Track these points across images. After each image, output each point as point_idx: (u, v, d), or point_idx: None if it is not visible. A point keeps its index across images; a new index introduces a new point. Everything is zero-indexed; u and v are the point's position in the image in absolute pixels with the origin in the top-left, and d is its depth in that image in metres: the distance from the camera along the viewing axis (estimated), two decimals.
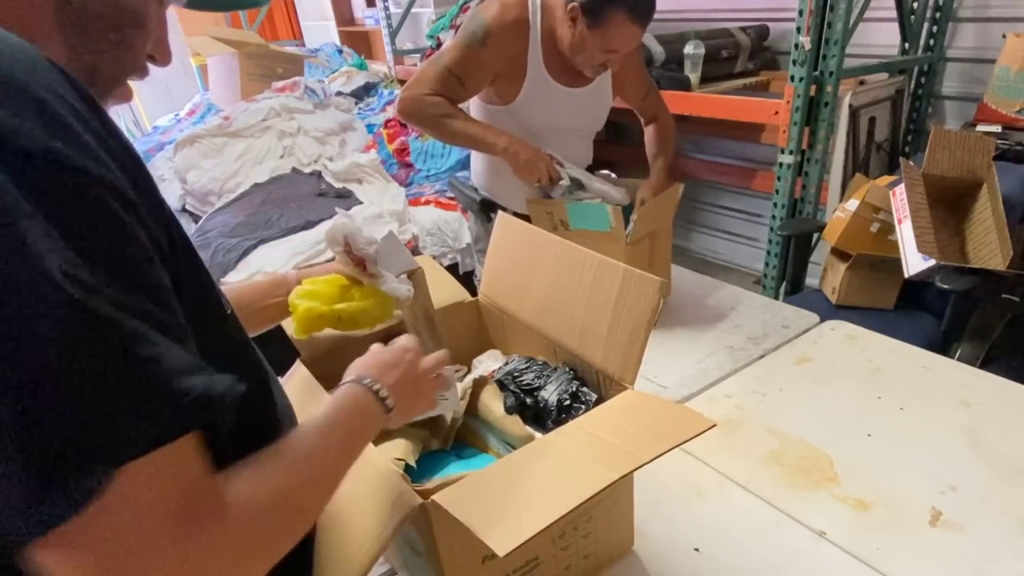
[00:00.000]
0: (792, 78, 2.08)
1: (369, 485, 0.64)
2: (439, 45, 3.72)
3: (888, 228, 1.77)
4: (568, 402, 0.84)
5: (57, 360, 0.32)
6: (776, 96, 2.25)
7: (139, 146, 3.93)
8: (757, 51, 2.80)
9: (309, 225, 2.58)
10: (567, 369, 0.89)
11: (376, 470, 0.65)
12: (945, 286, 1.54)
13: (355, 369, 0.64)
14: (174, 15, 5.24)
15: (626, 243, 1.29)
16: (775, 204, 2.26)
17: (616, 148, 3.53)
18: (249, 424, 0.47)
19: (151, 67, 0.53)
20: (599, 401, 0.84)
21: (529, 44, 1.40)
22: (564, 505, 0.55)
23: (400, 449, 0.77)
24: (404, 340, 0.70)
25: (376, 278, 0.82)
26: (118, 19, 0.47)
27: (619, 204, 1.36)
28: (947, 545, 0.83)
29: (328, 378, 0.77)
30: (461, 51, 1.40)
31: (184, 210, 3.20)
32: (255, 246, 2.41)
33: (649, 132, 1.68)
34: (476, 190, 1.67)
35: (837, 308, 1.83)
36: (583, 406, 0.84)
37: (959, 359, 1.61)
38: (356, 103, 3.89)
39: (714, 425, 0.62)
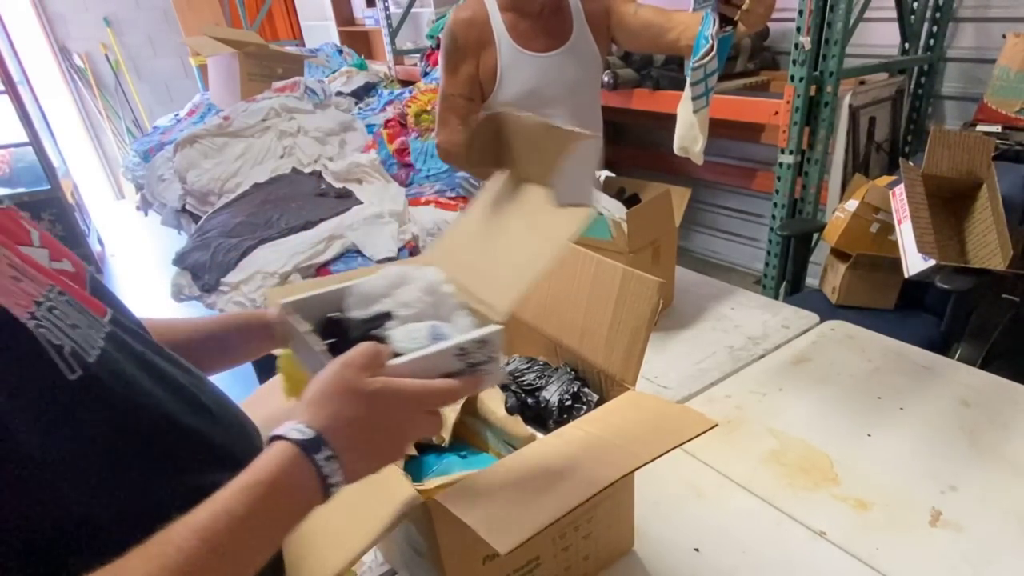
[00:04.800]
0: (792, 78, 2.08)
1: (368, 482, 0.64)
2: (439, 45, 3.73)
3: (888, 228, 1.77)
4: (569, 402, 0.84)
5: None
6: (776, 96, 2.25)
7: (139, 146, 3.93)
8: (757, 51, 2.80)
9: (309, 225, 2.58)
10: (568, 369, 0.89)
11: None
12: (945, 286, 1.54)
13: (306, 407, 0.47)
14: (174, 16, 5.24)
15: (628, 251, 1.29)
16: (775, 204, 2.26)
17: (616, 148, 3.53)
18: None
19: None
20: (600, 402, 0.84)
21: (492, 25, 1.46)
22: (565, 504, 0.55)
23: None
24: (369, 349, 0.49)
25: None
26: None
27: (621, 220, 1.35)
28: (947, 545, 0.83)
29: None
30: (448, 68, 1.48)
31: (184, 210, 3.20)
32: (255, 246, 2.41)
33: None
34: None
35: (837, 308, 1.83)
36: (584, 406, 0.84)
37: (959, 359, 1.61)
38: (356, 103, 3.90)
39: (715, 425, 0.62)
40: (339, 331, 0.58)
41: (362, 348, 0.49)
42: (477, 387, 0.55)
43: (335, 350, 0.50)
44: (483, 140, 0.71)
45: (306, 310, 0.60)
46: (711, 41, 1.14)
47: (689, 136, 1.28)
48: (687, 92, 1.24)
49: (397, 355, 0.51)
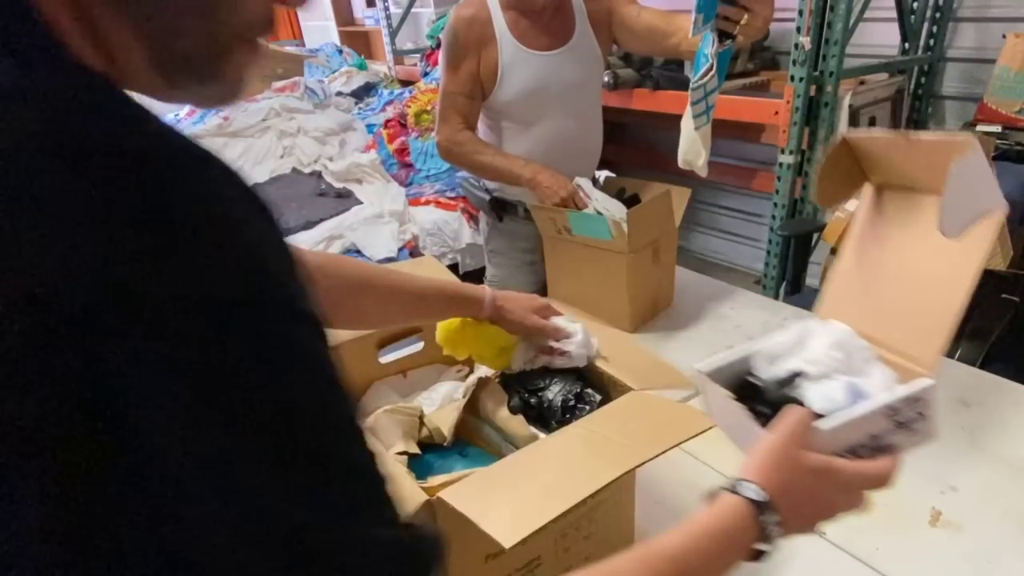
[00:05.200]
0: (792, 78, 2.08)
1: None
2: (439, 45, 3.73)
3: None
4: (572, 403, 0.85)
5: None
6: (776, 96, 2.25)
7: None
8: (757, 51, 2.80)
9: (309, 225, 2.59)
10: (571, 370, 0.89)
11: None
12: None
13: (756, 470, 0.48)
14: None
15: (628, 251, 1.29)
16: (775, 204, 2.27)
17: (616, 148, 3.53)
18: None
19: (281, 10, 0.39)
20: (603, 402, 0.84)
21: (493, 23, 1.45)
22: (568, 500, 0.55)
23: (399, 441, 0.78)
24: (801, 418, 0.50)
25: None
26: None
27: (621, 220, 1.35)
28: (947, 545, 0.84)
29: None
30: (449, 66, 1.47)
31: None
32: None
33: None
34: (487, 189, 1.68)
35: None
36: (587, 406, 0.84)
37: (959, 359, 1.61)
38: (356, 103, 3.90)
39: (715, 425, 0.62)
40: (753, 392, 0.57)
41: (795, 419, 0.50)
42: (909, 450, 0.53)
43: (754, 412, 0.52)
44: (836, 168, 0.63)
45: (719, 376, 0.59)
46: (711, 60, 1.14)
47: (692, 151, 1.29)
48: (688, 109, 1.25)
49: (817, 416, 0.50)
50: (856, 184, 0.61)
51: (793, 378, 0.54)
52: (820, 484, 0.49)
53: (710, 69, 1.15)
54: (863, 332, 0.56)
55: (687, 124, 1.28)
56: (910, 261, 0.56)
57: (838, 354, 0.54)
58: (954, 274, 0.51)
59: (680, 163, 1.34)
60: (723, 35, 1.14)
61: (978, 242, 0.50)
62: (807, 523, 0.50)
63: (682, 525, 0.46)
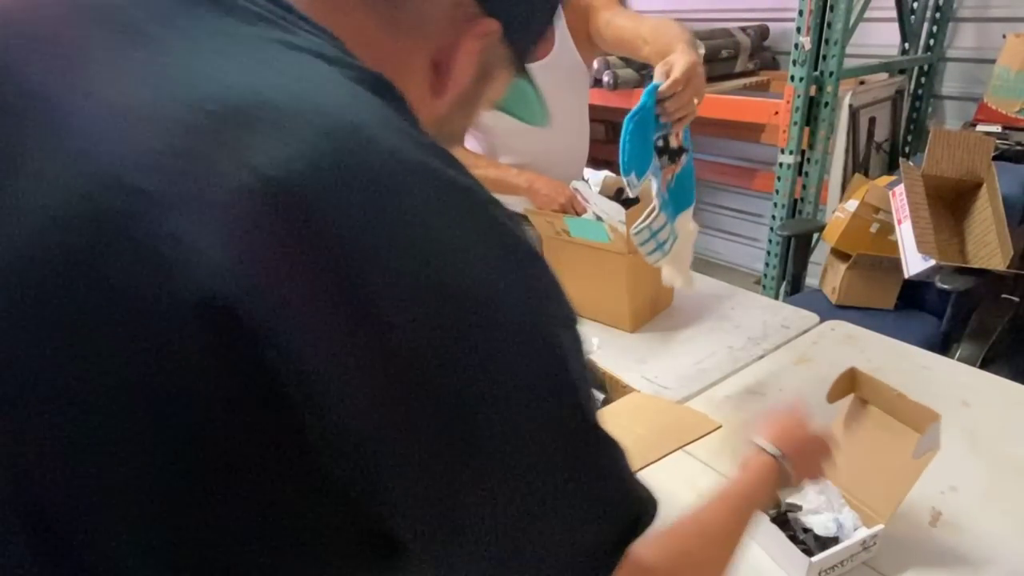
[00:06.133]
0: (792, 78, 2.08)
1: None
2: None
3: (888, 228, 1.77)
4: None
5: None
6: (776, 96, 2.25)
7: None
8: (757, 51, 2.81)
9: None
10: None
11: None
12: (945, 286, 1.55)
13: (771, 439, 0.66)
14: None
15: (627, 252, 1.29)
16: (775, 204, 2.27)
17: (616, 148, 3.53)
18: None
19: None
20: (605, 402, 0.84)
21: None
22: None
23: None
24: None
25: None
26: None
27: (621, 222, 1.35)
28: (947, 545, 0.84)
29: None
30: None
31: None
32: None
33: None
34: None
35: (837, 308, 1.83)
36: None
37: (959, 359, 1.62)
38: None
39: (720, 427, 0.62)
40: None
41: (791, 410, 0.70)
42: None
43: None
44: (842, 383, 0.91)
45: None
46: (652, 200, 1.02)
47: (667, 278, 1.17)
48: (637, 248, 1.07)
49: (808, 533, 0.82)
50: (851, 389, 0.91)
51: (798, 508, 0.83)
52: (811, 445, 0.68)
53: (653, 211, 1.01)
54: (837, 483, 0.84)
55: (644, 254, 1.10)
56: (878, 451, 0.86)
57: (823, 497, 0.83)
58: (906, 471, 0.82)
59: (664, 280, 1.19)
60: (677, 152, 1.02)
61: (924, 459, 0.83)
62: (813, 469, 0.68)
63: (729, 481, 0.60)
